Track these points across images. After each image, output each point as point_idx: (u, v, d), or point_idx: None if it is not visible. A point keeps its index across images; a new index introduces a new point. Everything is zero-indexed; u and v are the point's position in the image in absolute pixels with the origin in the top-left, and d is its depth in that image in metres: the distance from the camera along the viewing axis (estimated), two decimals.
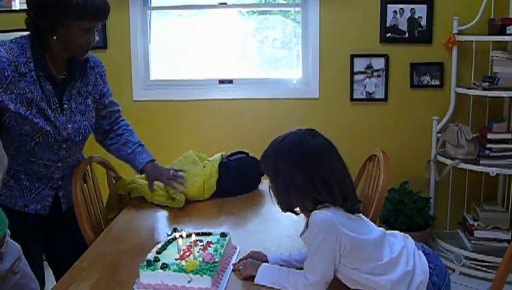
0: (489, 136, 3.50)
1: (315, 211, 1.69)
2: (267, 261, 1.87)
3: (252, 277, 1.78)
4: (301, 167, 1.69)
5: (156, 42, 4.09)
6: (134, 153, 2.46)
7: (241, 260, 1.89)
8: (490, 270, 3.47)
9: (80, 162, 2.36)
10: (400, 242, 1.77)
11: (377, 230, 1.76)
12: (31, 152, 2.15)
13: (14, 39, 2.10)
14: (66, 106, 2.18)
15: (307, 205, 1.73)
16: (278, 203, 1.79)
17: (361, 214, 1.78)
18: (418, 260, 1.73)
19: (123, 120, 2.53)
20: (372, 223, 1.81)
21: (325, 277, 1.68)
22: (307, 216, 1.73)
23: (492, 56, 3.61)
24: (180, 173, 2.49)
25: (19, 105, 2.04)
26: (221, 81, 4.05)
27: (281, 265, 1.83)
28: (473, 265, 3.57)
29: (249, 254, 1.91)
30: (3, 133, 2.12)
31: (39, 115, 2.09)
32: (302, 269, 1.74)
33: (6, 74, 2.01)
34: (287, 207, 1.79)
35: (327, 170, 1.69)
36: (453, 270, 3.63)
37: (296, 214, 1.80)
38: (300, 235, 1.77)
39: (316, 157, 1.70)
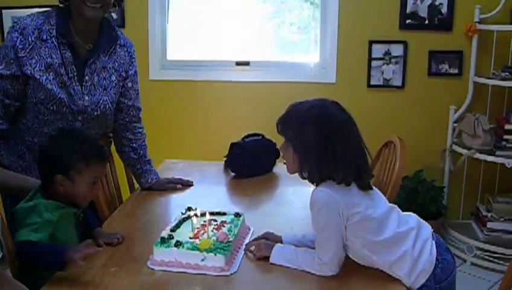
0: (507, 127, 3.46)
1: (313, 190, 1.71)
2: (281, 242, 1.87)
3: (266, 258, 1.79)
4: (325, 139, 1.67)
5: (173, 22, 4.07)
6: (143, 171, 2.50)
7: (255, 239, 1.90)
8: (502, 262, 3.45)
9: (102, 135, 2.36)
10: (412, 223, 1.77)
11: (385, 205, 1.76)
12: (45, 122, 2.17)
13: (43, 10, 2.18)
14: (87, 77, 2.19)
15: (316, 178, 1.73)
16: (296, 169, 1.77)
17: (373, 189, 1.77)
18: (428, 247, 1.73)
19: (140, 127, 2.50)
20: (383, 197, 1.81)
21: (337, 253, 1.69)
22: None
23: None
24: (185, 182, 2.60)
25: (37, 69, 2.09)
26: (238, 63, 4.03)
27: (295, 245, 1.83)
28: (484, 256, 3.55)
29: (263, 234, 1.92)
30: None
31: (55, 81, 2.11)
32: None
33: (30, 39, 2.08)
34: (307, 175, 1.75)
35: (349, 144, 1.69)
36: (464, 261, 3.62)
37: (303, 178, 1.77)
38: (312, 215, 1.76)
39: (341, 131, 1.69)
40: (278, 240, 1.89)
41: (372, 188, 1.76)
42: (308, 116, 1.71)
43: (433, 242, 1.76)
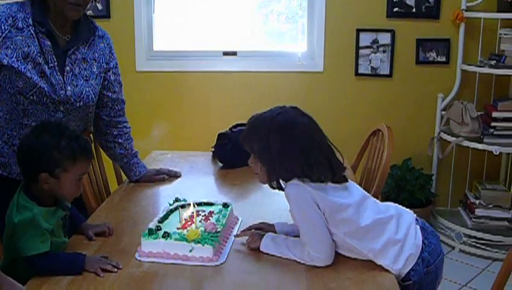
0: (494, 114, 3.47)
1: (285, 185, 1.74)
2: (275, 232, 1.88)
3: (258, 248, 1.80)
4: (290, 145, 1.70)
5: (160, 12, 4.04)
6: (130, 164, 2.49)
7: (248, 229, 1.90)
8: (490, 249, 3.48)
9: (82, 131, 2.33)
10: (391, 211, 1.78)
11: (359, 193, 1.78)
12: (24, 113, 2.09)
13: (16, 1, 2.10)
14: (68, 68, 2.12)
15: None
16: (266, 180, 1.80)
17: (348, 182, 1.79)
18: (412, 232, 1.74)
19: (125, 121, 2.45)
20: (357, 186, 1.82)
21: (324, 242, 1.69)
22: None
23: (500, 34, 3.56)
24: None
25: (14, 59, 2.01)
26: (226, 53, 4.02)
27: (288, 234, 1.84)
28: (473, 243, 3.57)
29: (257, 225, 1.92)
30: None
31: (34, 70, 2.04)
32: None
33: (2, 27, 2.01)
34: (276, 184, 1.80)
35: (317, 145, 1.72)
36: (453, 248, 3.64)
37: (282, 189, 1.80)
38: (290, 210, 1.78)
39: (307, 135, 1.73)
40: (272, 229, 1.89)
41: (347, 180, 1.78)
42: (272, 125, 1.73)
43: (417, 227, 1.77)
